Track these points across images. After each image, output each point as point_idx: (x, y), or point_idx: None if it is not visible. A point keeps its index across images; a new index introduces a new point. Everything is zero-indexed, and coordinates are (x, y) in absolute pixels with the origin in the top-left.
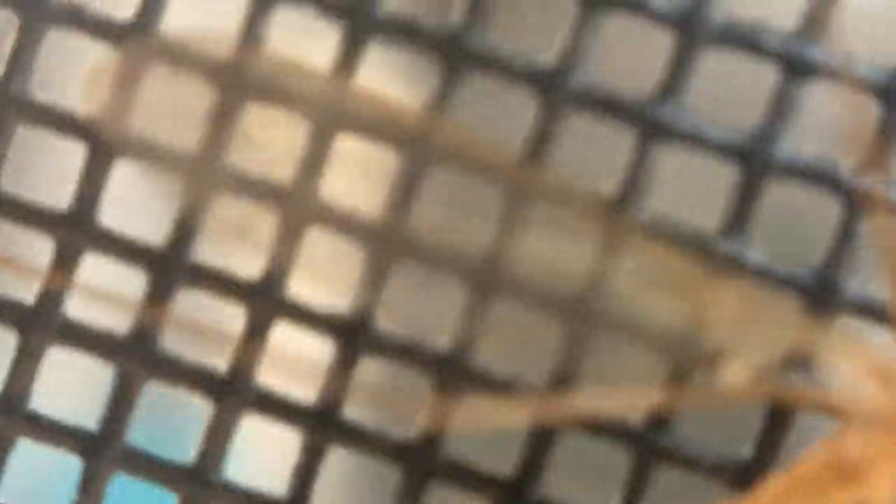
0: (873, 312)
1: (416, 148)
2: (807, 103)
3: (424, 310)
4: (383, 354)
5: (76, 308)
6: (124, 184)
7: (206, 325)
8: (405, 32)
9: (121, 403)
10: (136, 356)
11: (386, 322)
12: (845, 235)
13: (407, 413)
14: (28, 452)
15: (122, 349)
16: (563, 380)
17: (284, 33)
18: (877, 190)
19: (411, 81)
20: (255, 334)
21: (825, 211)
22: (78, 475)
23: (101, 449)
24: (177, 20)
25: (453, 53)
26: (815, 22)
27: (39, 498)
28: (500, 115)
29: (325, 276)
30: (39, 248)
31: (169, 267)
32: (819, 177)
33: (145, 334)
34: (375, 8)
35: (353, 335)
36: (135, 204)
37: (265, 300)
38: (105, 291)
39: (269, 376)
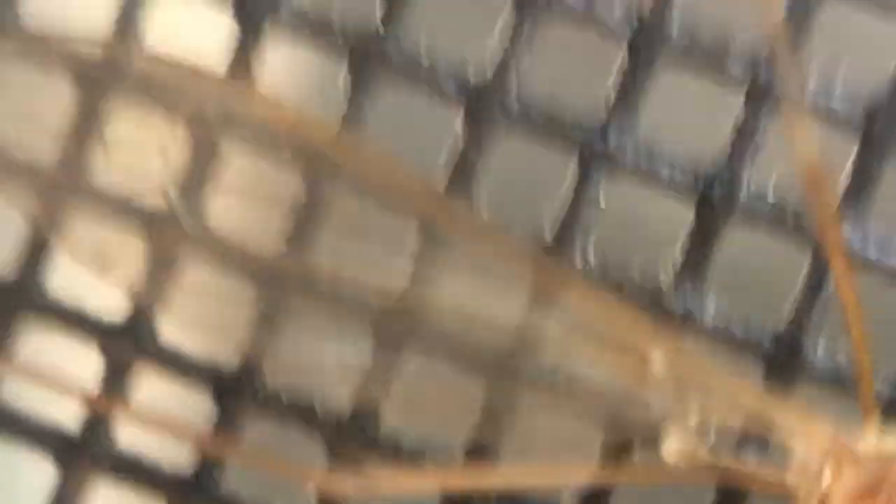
0: (839, 379)
1: (321, 170)
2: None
3: (320, 360)
4: (271, 412)
5: None
6: None
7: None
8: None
9: None
10: None
11: (274, 375)
12: (811, 290)
13: (296, 479)
14: None
15: None
16: (481, 447)
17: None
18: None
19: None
20: (115, 382)
21: (791, 261)
22: None
23: None
24: None
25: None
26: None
27: None
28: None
29: (201, 318)
30: None
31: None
32: (782, 221)
33: None
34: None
35: (235, 389)
36: None
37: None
38: None
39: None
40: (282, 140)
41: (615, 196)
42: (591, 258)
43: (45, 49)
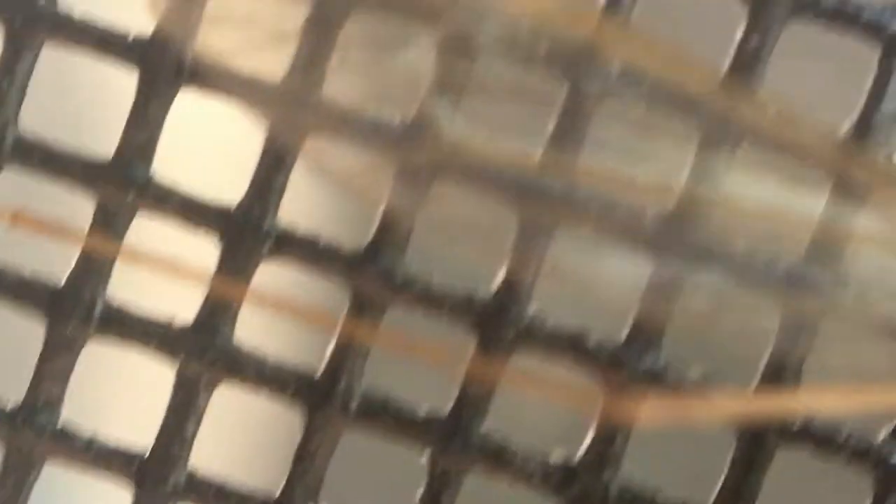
0: None
1: (584, 64)
2: None
3: (590, 280)
4: (536, 341)
5: None
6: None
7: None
8: None
9: None
10: None
11: (539, 300)
12: None
13: (577, 406)
14: None
15: None
16: (776, 371)
17: None
18: None
19: None
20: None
21: None
22: None
23: None
24: None
25: None
26: None
27: None
28: None
29: (455, 237)
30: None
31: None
32: None
33: None
34: None
35: (494, 318)
36: None
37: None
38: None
39: None
40: (540, 35)
41: None
42: None
43: None
